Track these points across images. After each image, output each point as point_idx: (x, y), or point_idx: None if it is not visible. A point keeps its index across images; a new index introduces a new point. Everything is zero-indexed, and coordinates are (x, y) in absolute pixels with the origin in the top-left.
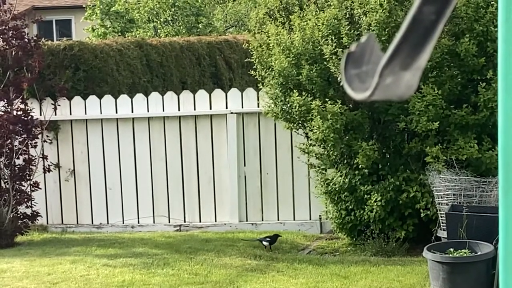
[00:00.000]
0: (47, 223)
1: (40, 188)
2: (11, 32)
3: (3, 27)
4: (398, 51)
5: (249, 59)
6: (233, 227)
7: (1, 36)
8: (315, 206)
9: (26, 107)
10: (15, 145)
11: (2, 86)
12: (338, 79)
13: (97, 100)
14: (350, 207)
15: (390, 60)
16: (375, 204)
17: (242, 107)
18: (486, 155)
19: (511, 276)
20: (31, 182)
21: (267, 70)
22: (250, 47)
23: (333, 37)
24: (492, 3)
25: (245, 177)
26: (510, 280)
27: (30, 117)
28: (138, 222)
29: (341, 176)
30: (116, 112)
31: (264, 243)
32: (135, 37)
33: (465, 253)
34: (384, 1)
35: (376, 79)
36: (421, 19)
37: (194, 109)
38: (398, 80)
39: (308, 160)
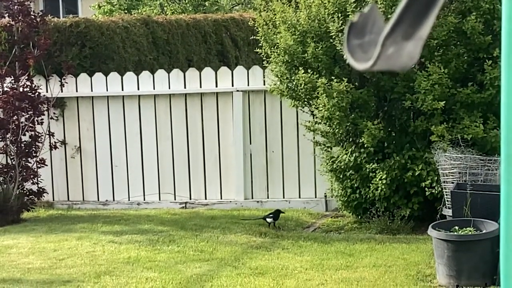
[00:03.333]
0: (53, 200)
1: (46, 165)
2: (17, 7)
3: (9, 2)
4: (400, 21)
5: (255, 37)
6: (239, 205)
7: (7, 11)
8: (320, 184)
9: (33, 83)
10: (22, 122)
11: (8, 63)
12: (344, 57)
13: (103, 78)
14: (355, 185)
15: (392, 30)
16: (380, 182)
17: (248, 85)
18: (491, 134)
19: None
20: (37, 159)
21: (273, 48)
22: (256, 25)
23: (339, 15)
24: None
25: (250, 154)
26: (511, 255)
27: (36, 93)
28: (144, 199)
29: (346, 154)
30: (122, 90)
31: (268, 220)
32: (141, 15)
33: (470, 231)
34: None
35: (378, 49)
36: None
37: (200, 87)
38: (400, 50)
39: (314, 138)
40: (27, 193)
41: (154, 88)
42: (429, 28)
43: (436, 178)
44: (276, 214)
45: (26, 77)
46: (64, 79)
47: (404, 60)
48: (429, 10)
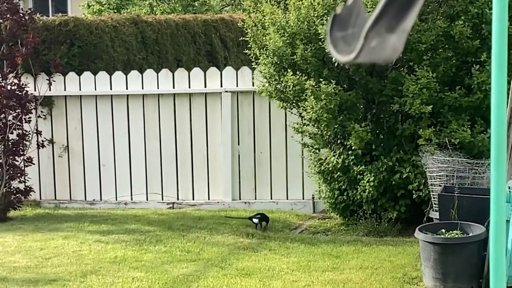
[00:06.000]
0: (40, 199)
1: (34, 164)
2: (5, 5)
3: None
4: (384, 13)
5: (244, 38)
6: (226, 206)
7: None
8: (308, 185)
9: (20, 81)
10: (9, 120)
11: None
12: (333, 59)
13: (91, 77)
14: (343, 187)
15: (376, 22)
16: (367, 184)
17: (237, 86)
18: (478, 137)
19: (500, 253)
20: (25, 157)
21: (262, 49)
22: (245, 26)
23: (329, 17)
24: None
25: (239, 155)
26: (500, 256)
27: (24, 92)
28: (131, 199)
29: (334, 156)
30: (111, 89)
31: (254, 220)
32: (131, 14)
33: (456, 234)
34: None
35: (361, 42)
36: None
37: (189, 87)
38: (383, 43)
39: (302, 139)
40: (14, 191)
41: (142, 88)
42: (413, 20)
43: (423, 181)
44: (263, 217)
45: (14, 75)
46: (52, 77)
47: (387, 52)
48: (412, 3)
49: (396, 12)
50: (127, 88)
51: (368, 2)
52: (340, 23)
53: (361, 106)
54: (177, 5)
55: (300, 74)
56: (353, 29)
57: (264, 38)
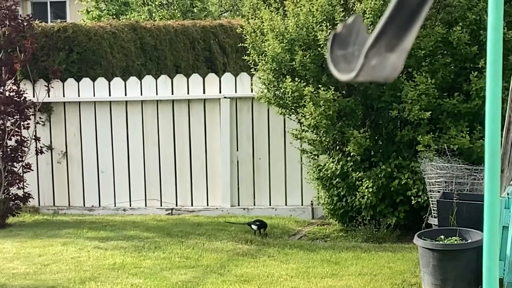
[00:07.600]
0: (39, 205)
1: (32, 170)
2: (4, 12)
3: None
4: (384, 33)
5: (243, 44)
6: (225, 212)
7: None
8: (307, 191)
9: (19, 88)
10: (7, 126)
11: None
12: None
13: (90, 83)
14: (342, 193)
15: (376, 42)
16: (366, 190)
17: (236, 92)
18: (477, 144)
19: (493, 262)
20: (23, 164)
21: (261, 56)
22: (244, 32)
23: (327, 23)
24: None
25: (237, 162)
26: (493, 265)
27: (22, 98)
28: (130, 205)
29: (333, 162)
30: (110, 95)
31: (253, 226)
32: (130, 20)
33: (455, 240)
34: None
35: (361, 61)
36: (407, 0)
37: (188, 93)
38: (383, 62)
39: (301, 145)
40: (13, 198)
41: (141, 94)
42: (413, 39)
43: (422, 187)
44: (262, 223)
45: (12, 81)
46: (50, 83)
47: (387, 71)
48: (412, 22)
49: (396, 31)
50: (126, 94)
51: (367, 9)
52: (340, 41)
53: (360, 112)
54: (176, 11)
55: (299, 80)
56: (353, 48)
57: (263, 44)
